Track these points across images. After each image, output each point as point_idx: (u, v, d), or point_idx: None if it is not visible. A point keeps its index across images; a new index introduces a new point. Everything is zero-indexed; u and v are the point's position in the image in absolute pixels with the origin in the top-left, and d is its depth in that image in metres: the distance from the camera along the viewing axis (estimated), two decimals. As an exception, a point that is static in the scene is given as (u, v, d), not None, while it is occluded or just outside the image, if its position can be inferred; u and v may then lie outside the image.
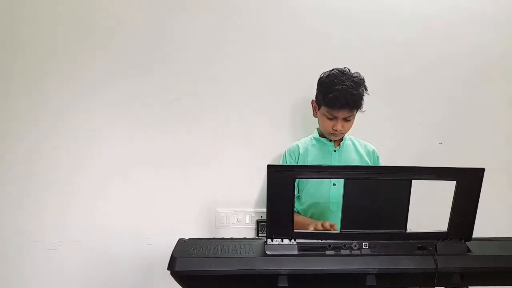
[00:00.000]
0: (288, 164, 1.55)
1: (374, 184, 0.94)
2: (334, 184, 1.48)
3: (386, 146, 1.62)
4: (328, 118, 1.45)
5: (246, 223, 1.81)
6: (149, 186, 1.77)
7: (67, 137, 1.74)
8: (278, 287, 0.93)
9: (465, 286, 0.98)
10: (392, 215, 0.97)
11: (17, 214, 1.73)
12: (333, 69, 1.46)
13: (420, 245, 0.96)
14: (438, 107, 1.90)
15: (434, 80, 1.89)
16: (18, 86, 1.71)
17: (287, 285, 0.92)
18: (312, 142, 1.58)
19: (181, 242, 0.97)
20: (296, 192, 1.53)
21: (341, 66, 1.47)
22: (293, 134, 1.79)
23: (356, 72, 1.45)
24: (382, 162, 1.57)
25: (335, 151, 1.53)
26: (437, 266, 0.92)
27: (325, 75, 1.47)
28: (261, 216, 1.80)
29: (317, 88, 1.50)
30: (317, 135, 1.57)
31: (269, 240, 0.95)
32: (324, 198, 1.49)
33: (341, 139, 1.54)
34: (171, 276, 0.93)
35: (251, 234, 1.82)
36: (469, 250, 0.98)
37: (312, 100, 1.55)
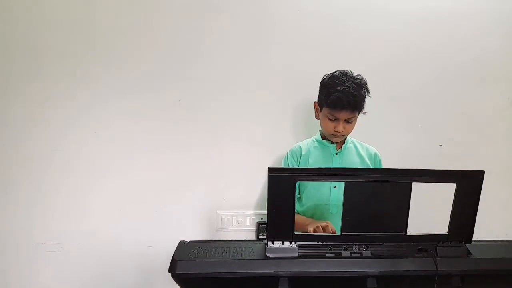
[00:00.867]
0: (290, 164, 1.57)
1: (374, 186, 0.95)
2: (335, 187, 1.49)
3: (386, 148, 1.63)
4: (330, 119, 1.46)
5: (246, 225, 1.82)
6: (150, 188, 1.77)
7: (67, 139, 1.74)
8: (278, 290, 0.94)
9: (465, 289, 0.98)
10: (392, 218, 0.97)
11: (17, 216, 1.73)
12: (335, 71, 1.47)
13: (420, 248, 0.96)
14: (438, 110, 1.90)
15: (434, 82, 1.89)
16: (17, 87, 1.72)
17: (287, 288, 0.93)
18: (314, 144, 1.58)
19: (182, 245, 0.97)
20: (297, 194, 1.55)
21: (343, 68, 1.48)
22: (294, 136, 1.80)
23: (358, 75, 1.46)
24: (383, 165, 1.58)
25: (336, 153, 1.54)
26: (437, 268, 0.92)
27: (328, 76, 1.48)
28: (262, 218, 1.81)
29: (320, 90, 1.51)
30: (319, 137, 1.58)
31: (269, 243, 0.95)
32: (324, 200, 1.50)
33: (343, 142, 1.55)
34: (172, 279, 0.93)
35: (251, 236, 1.82)
36: (469, 253, 0.98)
37: (314, 102, 1.56)
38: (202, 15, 1.79)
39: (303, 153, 1.57)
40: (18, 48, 1.73)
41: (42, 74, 1.73)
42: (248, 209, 1.82)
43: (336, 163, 1.52)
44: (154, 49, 1.77)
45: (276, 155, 1.79)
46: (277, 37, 1.82)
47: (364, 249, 0.96)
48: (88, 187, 1.75)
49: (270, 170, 0.91)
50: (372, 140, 1.61)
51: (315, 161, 1.54)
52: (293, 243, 0.95)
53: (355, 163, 1.53)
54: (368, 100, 1.46)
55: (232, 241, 0.99)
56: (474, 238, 0.99)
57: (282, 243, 0.95)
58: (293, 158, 1.59)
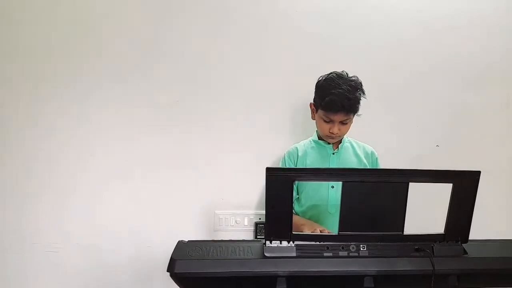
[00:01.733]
0: (288, 166, 1.57)
1: (371, 186, 0.95)
2: (333, 187, 1.50)
3: (383, 149, 1.63)
4: (325, 121, 1.46)
5: (244, 225, 1.82)
6: (148, 188, 1.78)
7: (66, 139, 1.74)
8: (276, 289, 0.94)
9: (461, 288, 0.98)
10: (389, 217, 0.97)
11: (16, 216, 1.73)
12: (331, 73, 1.48)
13: (417, 247, 0.97)
14: (435, 111, 1.91)
15: (431, 83, 1.90)
16: (17, 87, 1.72)
17: (285, 287, 0.93)
18: (311, 145, 1.59)
19: (180, 244, 0.97)
20: (295, 194, 1.56)
21: (339, 70, 1.48)
22: (292, 137, 1.80)
23: (354, 76, 1.47)
24: (380, 165, 1.58)
25: (333, 153, 1.54)
26: (434, 267, 0.93)
27: (323, 78, 1.48)
28: (260, 218, 1.81)
29: (315, 91, 1.51)
30: (316, 138, 1.59)
31: (267, 242, 0.96)
32: (322, 200, 1.50)
33: (340, 142, 1.56)
34: (170, 278, 0.93)
35: (249, 236, 1.83)
36: (465, 252, 0.98)
37: (310, 103, 1.56)
38: (201, 16, 1.79)
39: (300, 154, 1.58)
40: (15, 48, 1.72)
41: (40, 74, 1.73)
42: (246, 209, 1.82)
43: (333, 163, 1.53)
44: (152, 49, 1.77)
45: (274, 156, 1.80)
46: (275, 37, 1.82)
47: (361, 249, 0.96)
48: (86, 187, 1.75)
49: (269, 170, 0.92)
50: (368, 141, 1.62)
51: (312, 162, 1.54)
52: (291, 242, 0.96)
53: (352, 163, 1.54)
54: (364, 100, 1.47)
55: (230, 240, 0.99)
56: (470, 237, 0.99)
57: (280, 243, 0.96)
58: (290, 160, 1.60)
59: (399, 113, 1.89)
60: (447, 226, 0.98)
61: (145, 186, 1.78)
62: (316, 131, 1.60)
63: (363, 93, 1.46)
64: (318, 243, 0.97)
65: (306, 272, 0.93)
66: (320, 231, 1.30)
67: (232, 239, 1.00)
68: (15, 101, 1.72)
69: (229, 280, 0.94)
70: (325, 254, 0.95)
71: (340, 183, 0.94)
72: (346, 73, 1.47)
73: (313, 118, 1.57)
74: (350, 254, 0.96)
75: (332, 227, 1.40)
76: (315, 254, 0.95)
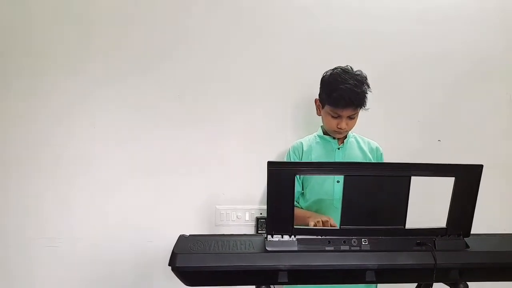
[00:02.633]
0: (292, 160, 1.57)
1: (373, 180, 0.95)
2: (338, 181, 1.49)
3: (385, 143, 1.63)
4: (333, 117, 1.46)
5: (245, 220, 1.82)
6: (150, 183, 1.77)
7: (68, 135, 1.74)
8: (278, 283, 0.94)
9: (463, 282, 0.98)
10: (391, 212, 0.97)
11: (18, 211, 1.73)
12: (335, 68, 1.47)
13: (419, 241, 0.97)
14: (437, 105, 1.90)
15: (433, 78, 1.90)
16: (20, 84, 1.71)
17: (287, 281, 0.93)
18: (316, 140, 1.59)
19: (182, 238, 0.97)
20: (300, 189, 1.56)
21: (342, 64, 1.47)
22: (294, 132, 1.80)
23: (358, 70, 1.46)
24: (385, 159, 1.58)
25: (338, 148, 1.54)
26: (435, 262, 0.93)
27: (328, 74, 1.48)
28: (261, 213, 1.81)
29: (321, 87, 1.50)
30: (321, 133, 1.58)
31: (269, 236, 0.96)
32: (328, 195, 1.50)
33: (345, 137, 1.55)
34: (172, 272, 0.93)
35: (250, 231, 1.83)
36: (467, 246, 0.98)
37: (315, 99, 1.55)
38: (204, 10, 1.78)
39: (304, 149, 1.58)
40: (14, 42, 1.71)
41: (44, 72, 1.72)
42: (248, 204, 1.82)
43: (339, 158, 1.53)
44: (154, 43, 1.76)
45: (277, 151, 1.79)
46: (278, 33, 1.81)
47: (363, 243, 0.97)
48: (87, 182, 1.75)
49: (270, 164, 0.92)
50: (370, 136, 1.62)
51: (317, 156, 1.54)
52: (293, 236, 0.96)
53: (357, 158, 1.53)
54: (368, 95, 1.46)
55: (231, 235, 1.00)
56: (472, 232, 0.99)
57: (282, 237, 0.96)
58: (295, 154, 1.59)
59: (402, 108, 1.88)
60: (449, 220, 0.98)
61: (147, 181, 1.77)
62: (321, 126, 1.59)
63: (369, 86, 1.45)
64: (319, 237, 0.97)
65: (307, 266, 0.93)
66: (324, 221, 1.29)
67: (234, 233, 1.00)
68: (18, 98, 1.71)
69: (230, 274, 0.94)
70: (326, 248, 0.96)
71: (345, 178, 0.94)
72: (351, 68, 1.46)
73: (318, 114, 1.56)
74: (352, 248, 0.96)
75: (337, 221, 1.39)
76: (317, 248, 0.96)
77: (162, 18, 1.77)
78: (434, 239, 0.98)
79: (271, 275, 0.93)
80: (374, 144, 1.59)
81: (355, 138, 1.58)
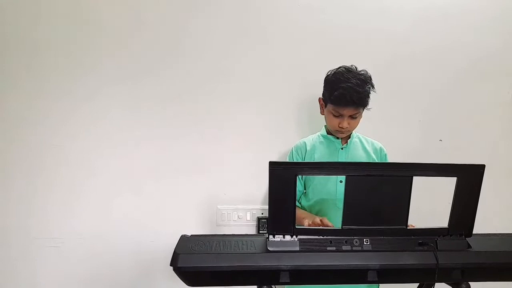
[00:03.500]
0: (295, 160, 1.56)
1: (375, 180, 0.95)
2: (341, 181, 1.48)
3: (386, 143, 1.62)
4: (334, 116, 1.45)
5: (247, 220, 1.82)
6: (152, 183, 1.77)
7: (71, 136, 1.74)
8: (280, 283, 0.94)
9: (465, 282, 0.98)
10: (393, 212, 0.97)
11: (19, 211, 1.73)
12: (339, 67, 1.47)
13: (421, 241, 0.97)
14: (438, 105, 1.90)
15: (434, 77, 1.89)
16: (24, 85, 1.71)
17: (289, 281, 0.93)
18: (320, 139, 1.58)
19: (183, 239, 0.97)
20: (302, 188, 1.55)
21: (347, 64, 1.47)
22: (297, 132, 1.80)
23: (363, 70, 1.46)
24: (389, 159, 1.58)
25: (342, 148, 1.54)
26: (437, 262, 0.93)
27: (332, 72, 1.48)
28: (262, 213, 1.81)
29: (324, 86, 1.50)
30: (324, 133, 1.58)
31: (271, 236, 0.96)
32: (330, 195, 1.50)
33: (349, 137, 1.55)
34: (173, 272, 0.93)
35: (251, 231, 1.83)
36: (469, 246, 0.98)
37: (319, 98, 1.55)
38: (204, 9, 1.78)
39: (308, 148, 1.57)
40: (15, 40, 1.71)
41: (48, 73, 1.72)
42: (249, 204, 1.82)
43: (342, 158, 1.52)
44: (155, 42, 1.76)
45: (279, 151, 1.79)
46: (281, 32, 1.81)
47: (365, 243, 0.96)
48: (88, 183, 1.75)
49: (271, 164, 0.92)
50: (372, 136, 1.61)
51: (320, 156, 1.54)
52: (294, 236, 0.96)
53: (361, 158, 1.53)
54: (370, 95, 1.46)
55: (233, 235, 0.99)
56: (474, 231, 0.99)
57: (283, 237, 0.96)
58: (298, 154, 1.59)
59: (403, 108, 1.88)
60: (451, 220, 0.98)
61: (148, 181, 1.77)
62: (325, 125, 1.59)
63: (373, 86, 1.45)
64: (321, 237, 0.97)
65: (309, 266, 0.93)
66: (317, 223, 1.28)
67: (235, 233, 1.00)
68: (21, 98, 1.71)
69: (232, 274, 0.94)
70: (328, 248, 0.96)
71: (349, 177, 0.94)
72: (355, 67, 1.46)
73: (322, 113, 1.56)
74: (354, 248, 0.96)
75: (339, 221, 1.39)
76: (318, 248, 0.95)
77: (166, 20, 1.76)
78: (436, 239, 0.97)
79: (272, 275, 0.93)
80: (378, 144, 1.59)
81: (359, 138, 1.58)
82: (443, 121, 1.91)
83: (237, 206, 1.82)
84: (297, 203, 1.32)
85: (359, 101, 1.40)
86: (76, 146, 1.75)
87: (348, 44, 1.83)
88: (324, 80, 1.50)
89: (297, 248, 0.95)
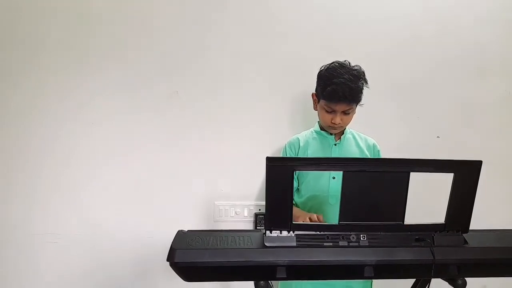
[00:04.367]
0: (288, 156, 1.56)
1: (372, 176, 0.95)
2: (334, 178, 1.49)
3: (384, 139, 1.63)
4: (327, 111, 1.45)
5: (244, 216, 1.82)
6: (149, 179, 1.77)
7: (65, 131, 1.74)
8: (276, 278, 0.94)
9: (461, 278, 0.98)
10: (390, 207, 0.97)
11: (15, 207, 1.73)
12: (333, 62, 1.46)
13: (417, 237, 0.97)
14: (436, 102, 1.90)
15: (432, 75, 1.89)
16: (17, 81, 1.71)
17: (285, 276, 0.93)
18: (313, 135, 1.58)
19: (180, 234, 0.97)
20: (295, 185, 1.55)
21: (342, 59, 1.47)
22: (292, 128, 1.80)
23: (356, 65, 1.45)
24: (382, 156, 1.58)
25: (335, 144, 1.54)
26: (434, 257, 0.93)
27: (325, 68, 1.47)
28: (259, 209, 1.81)
29: (317, 81, 1.50)
30: (318, 128, 1.58)
31: (267, 232, 0.95)
32: (323, 191, 1.49)
33: (342, 133, 1.55)
34: (170, 268, 0.93)
35: (249, 227, 1.83)
36: (466, 242, 0.98)
37: (312, 93, 1.55)
38: (201, 7, 1.77)
39: (301, 144, 1.57)
40: (17, 40, 1.71)
41: (38, 68, 1.72)
42: (246, 200, 1.82)
43: (335, 154, 1.52)
44: (153, 41, 1.76)
45: (274, 147, 1.79)
46: (275, 28, 1.80)
47: (361, 239, 0.96)
48: (87, 179, 1.75)
49: (269, 160, 0.91)
50: (370, 132, 1.61)
51: (313, 152, 1.53)
52: (291, 232, 0.96)
53: (354, 154, 1.53)
54: (366, 91, 1.46)
55: (230, 230, 0.99)
56: (471, 227, 0.99)
57: (280, 233, 0.96)
58: (291, 150, 1.59)
59: (400, 105, 1.88)
60: (448, 216, 0.98)
61: (145, 177, 1.77)
62: (318, 121, 1.59)
63: (366, 82, 1.44)
64: (318, 233, 0.97)
65: (306, 262, 0.93)
66: (313, 219, 1.29)
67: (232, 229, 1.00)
68: (15, 94, 1.71)
69: (229, 270, 0.94)
70: (325, 244, 0.95)
71: (341, 174, 0.94)
72: (349, 63, 1.45)
73: (315, 108, 1.56)
74: (350, 244, 0.96)
75: (332, 218, 1.39)
76: (315, 243, 0.95)
77: (163, 19, 1.76)
78: (432, 235, 0.98)
79: (269, 270, 0.93)
80: (371, 141, 1.58)
81: (352, 134, 1.57)
82: (441, 118, 1.91)
83: (234, 202, 1.81)
84: (293, 200, 1.32)
85: (351, 97, 1.39)
86: (76, 144, 1.74)
87: (345, 39, 1.82)
88: (317, 76, 1.49)
89: (294, 244, 0.95)
